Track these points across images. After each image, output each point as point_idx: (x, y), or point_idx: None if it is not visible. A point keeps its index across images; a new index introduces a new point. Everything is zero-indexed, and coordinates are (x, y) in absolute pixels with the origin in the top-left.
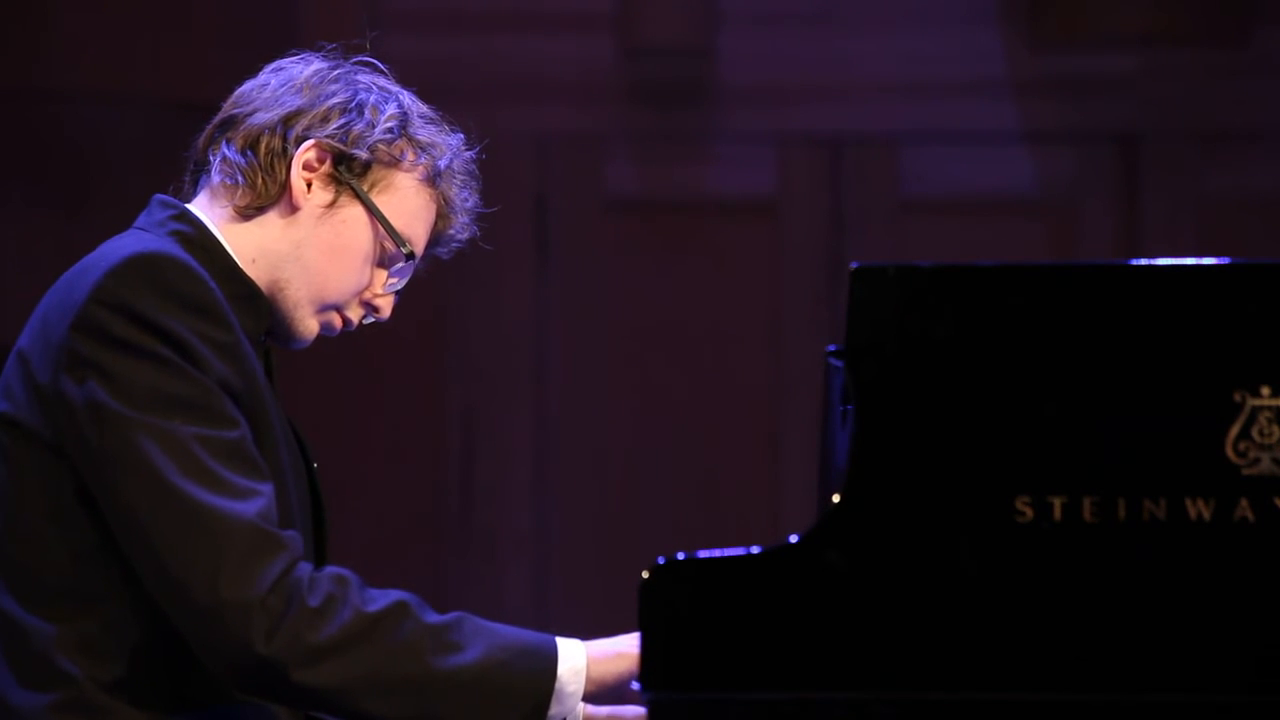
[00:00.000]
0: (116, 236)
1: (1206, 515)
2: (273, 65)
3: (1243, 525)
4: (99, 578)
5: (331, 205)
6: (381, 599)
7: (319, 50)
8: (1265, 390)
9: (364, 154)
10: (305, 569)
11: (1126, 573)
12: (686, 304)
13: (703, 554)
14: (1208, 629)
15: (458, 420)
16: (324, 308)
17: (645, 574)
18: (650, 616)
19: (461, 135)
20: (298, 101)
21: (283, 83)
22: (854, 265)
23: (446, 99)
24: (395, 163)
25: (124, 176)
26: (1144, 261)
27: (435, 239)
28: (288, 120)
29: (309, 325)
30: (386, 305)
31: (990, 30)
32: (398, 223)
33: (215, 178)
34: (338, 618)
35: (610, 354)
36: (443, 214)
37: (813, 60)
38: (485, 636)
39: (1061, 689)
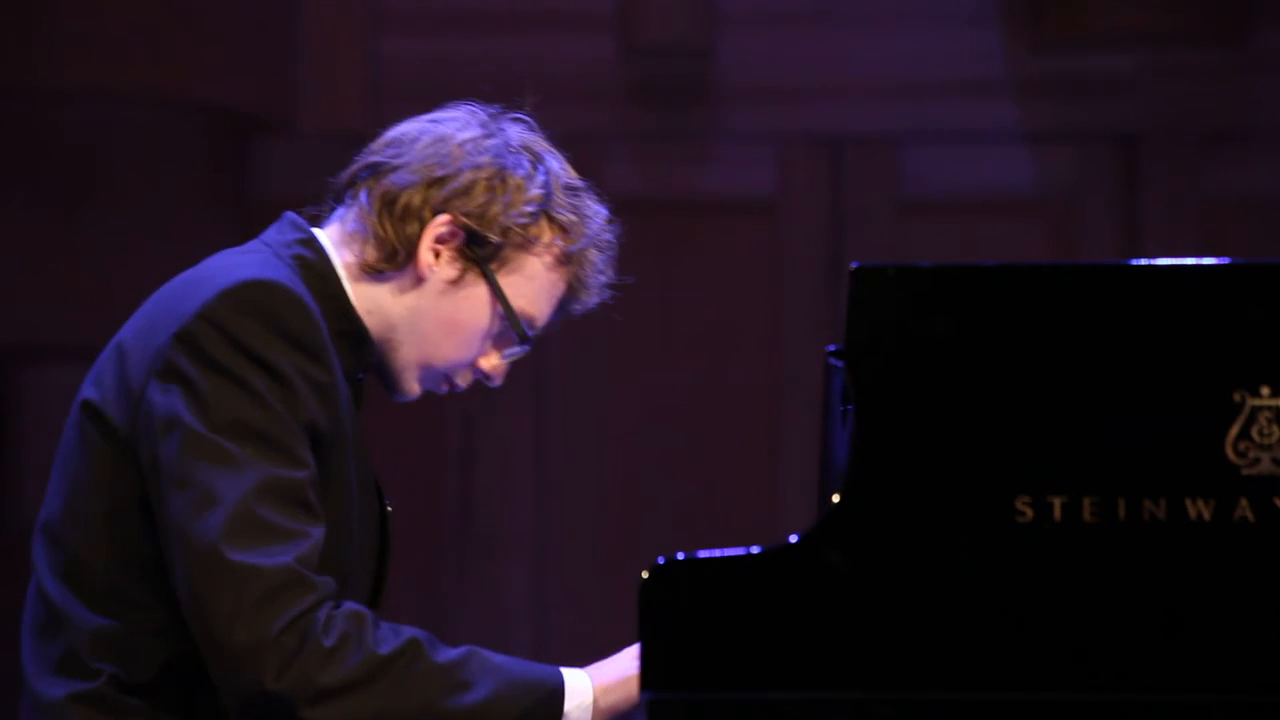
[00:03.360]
0: (240, 250)
1: (1206, 515)
2: (433, 115)
3: (1243, 525)
4: (142, 585)
5: (456, 281)
6: (394, 639)
7: (484, 103)
8: (1265, 390)
9: (497, 237)
10: (325, 609)
11: (1126, 573)
12: (686, 304)
13: (702, 554)
14: (1208, 629)
15: (458, 421)
16: (431, 373)
17: (645, 574)
18: (650, 616)
19: (605, 209)
20: (443, 169)
21: (434, 141)
22: (854, 265)
23: (446, 99)
24: (529, 245)
25: (124, 176)
26: (1144, 261)
27: (563, 306)
28: (429, 186)
29: (413, 386)
30: (499, 374)
31: (990, 30)
32: (521, 301)
33: (350, 225)
34: (349, 659)
35: (610, 354)
36: (573, 289)
37: (813, 60)
38: (493, 674)
39: (1061, 689)
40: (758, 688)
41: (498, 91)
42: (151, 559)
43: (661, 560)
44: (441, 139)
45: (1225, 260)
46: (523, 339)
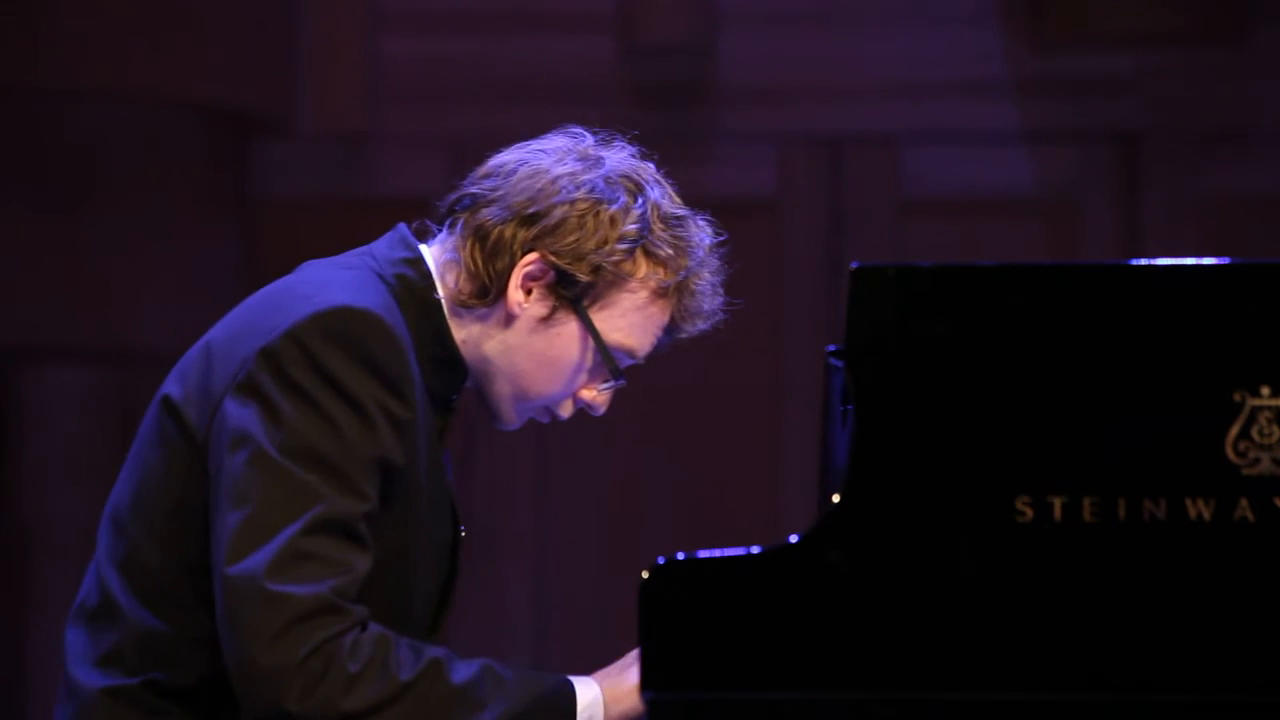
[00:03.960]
0: (341, 263)
1: (1206, 515)
2: (535, 143)
3: (1243, 525)
4: (192, 588)
5: (547, 319)
6: (414, 662)
7: (590, 128)
8: (1265, 390)
9: (587, 275)
10: (353, 634)
11: (1126, 573)
12: None
13: (702, 554)
14: (1208, 629)
15: (458, 421)
16: (529, 405)
17: (645, 574)
18: (650, 616)
19: (709, 235)
20: (536, 205)
21: (530, 175)
22: (854, 265)
23: (446, 99)
24: (623, 281)
25: (124, 176)
26: (1144, 261)
27: (669, 333)
28: (520, 223)
29: (511, 417)
30: (601, 404)
31: (990, 30)
32: (617, 335)
33: (448, 254)
34: (372, 685)
35: None
36: (676, 319)
37: (813, 60)
38: (506, 690)
39: (1061, 689)
40: (758, 688)
41: (498, 92)
42: (204, 563)
43: (661, 560)
44: (537, 173)
45: (1225, 260)
46: (615, 374)
